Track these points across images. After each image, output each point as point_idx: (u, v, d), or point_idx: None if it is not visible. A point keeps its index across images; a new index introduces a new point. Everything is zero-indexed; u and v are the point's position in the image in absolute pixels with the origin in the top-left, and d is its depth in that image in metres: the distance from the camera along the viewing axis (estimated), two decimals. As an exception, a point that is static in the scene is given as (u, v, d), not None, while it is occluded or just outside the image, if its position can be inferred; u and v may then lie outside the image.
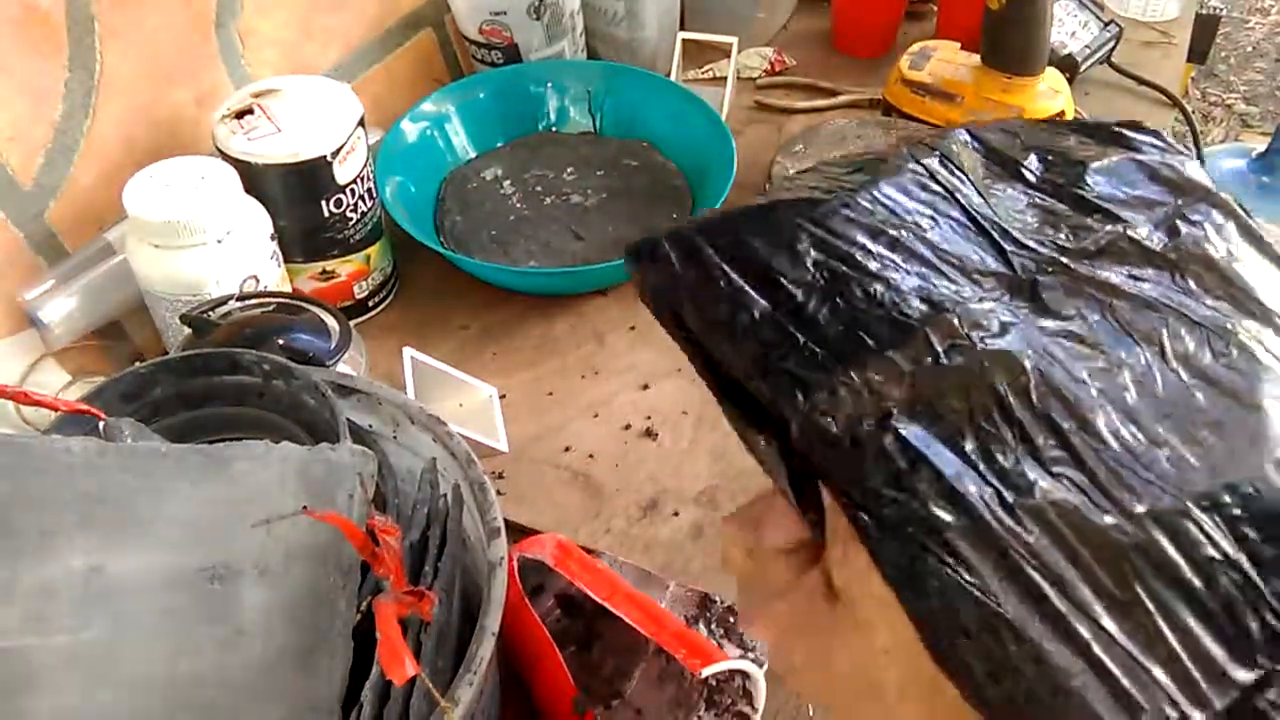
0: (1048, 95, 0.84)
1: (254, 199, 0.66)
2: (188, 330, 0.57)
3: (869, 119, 0.89)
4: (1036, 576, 0.30)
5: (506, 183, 0.85)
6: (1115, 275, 0.35)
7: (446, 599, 0.40)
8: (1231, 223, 0.36)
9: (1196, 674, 0.28)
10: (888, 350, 0.33)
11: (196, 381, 0.49)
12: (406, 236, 0.75)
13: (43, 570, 0.39)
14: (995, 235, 0.36)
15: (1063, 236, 0.36)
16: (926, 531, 0.30)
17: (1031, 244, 0.36)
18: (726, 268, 0.35)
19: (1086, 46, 0.95)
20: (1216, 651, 0.29)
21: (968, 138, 0.40)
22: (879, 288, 0.34)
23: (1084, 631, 0.29)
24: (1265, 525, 0.30)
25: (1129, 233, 0.36)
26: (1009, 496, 0.30)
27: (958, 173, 0.38)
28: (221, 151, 0.67)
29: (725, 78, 0.97)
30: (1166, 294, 0.34)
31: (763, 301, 0.34)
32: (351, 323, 0.60)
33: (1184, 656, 0.29)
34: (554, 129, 0.91)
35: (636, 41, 0.96)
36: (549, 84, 0.90)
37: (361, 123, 0.70)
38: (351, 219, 0.71)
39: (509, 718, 0.52)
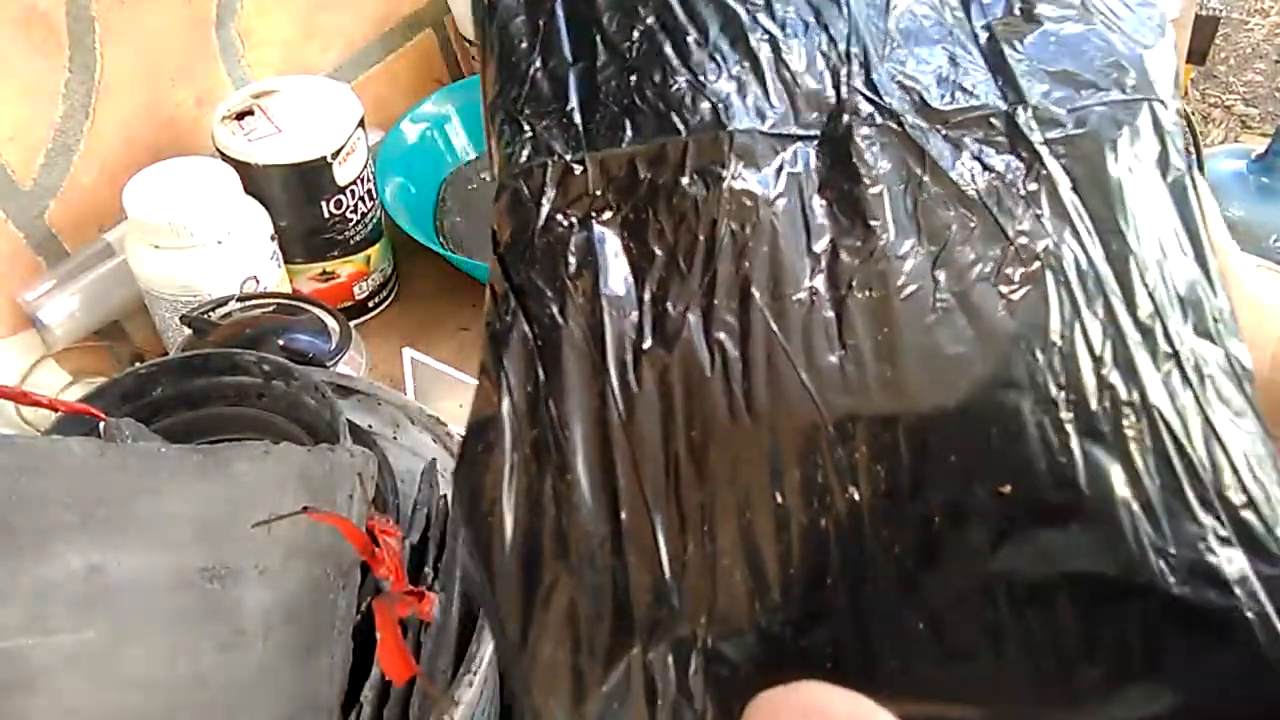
0: (1047, 96, 0.84)
1: (254, 200, 0.66)
2: (188, 331, 0.57)
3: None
4: (616, 429, 0.25)
5: (506, 183, 0.85)
6: (954, 152, 0.29)
7: (446, 599, 0.40)
8: (1158, 145, 0.30)
9: None
10: (635, 144, 0.29)
11: (196, 382, 0.49)
12: (406, 237, 0.75)
13: (43, 570, 0.39)
14: (856, 65, 0.31)
15: (935, 91, 0.30)
16: (545, 340, 0.26)
17: (891, 87, 0.30)
18: (557, 4, 0.31)
19: (1086, 47, 0.95)
20: None
21: None
22: (683, 81, 0.30)
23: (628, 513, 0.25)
24: (881, 459, 0.25)
25: (1014, 110, 0.30)
26: (647, 341, 0.26)
27: None
28: (221, 152, 0.67)
29: (725, 78, 0.97)
30: (998, 191, 0.29)
31: (566, 54, 0.31)
32: (352, 323, 0.60)
33: None
34: (554, 130, 0.91)
35: (636, 42, 0.96)
36: (549, 85, 0.90)
37: (362, 123, 0.70)
38: (351, 220, 0.71)
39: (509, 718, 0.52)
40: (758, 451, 0.25)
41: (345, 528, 0.39)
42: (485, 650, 0.40)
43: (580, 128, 0.30)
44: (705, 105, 0.30)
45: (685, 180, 0.28)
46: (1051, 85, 0.30)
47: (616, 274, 0.27)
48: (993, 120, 0.30)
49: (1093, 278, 0.27)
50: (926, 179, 0.29)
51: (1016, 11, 0.32)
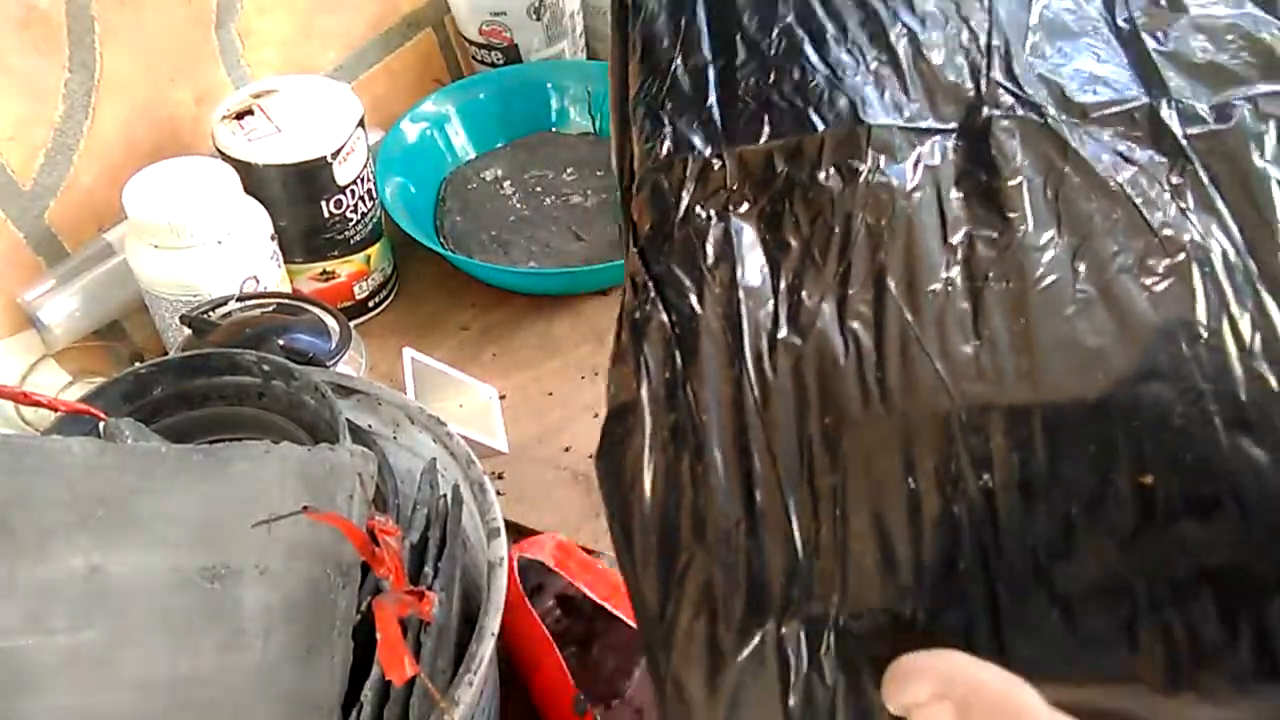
0: (1048, 95, 0.84)
1: (254, 200, 0.66)
2: (188, 331, 0.57)
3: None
4: (751, 414, 0.26)
5: (506, 183, 0.85)
6: (1096, 145, 0.29)
7: (446, 599, 0.40)
8: None
9: None
10: (774, 140, 0.29)
11: (196, 382, 0.49)
12: (406, 237, 0.75)
13: (43, 570, 0.39)
14: (997, 58, 0.31)
15: (1075, 84, 0.30)
16: (683, 328, 0.27)
17: (1032, 79, 0.30)
18: (697, 4, 0.33)
19: (1086, 47, 0.95)
20: None
21: None
22: (821, 77, 0.30)
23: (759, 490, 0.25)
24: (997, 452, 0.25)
25: (1157, 104, 0.29)
26: (782, 330, 0.27)
27: None
28: (221, 152, 0.67)
29: (725, 78, 0.97)
30: (1142, 184, 0.28)
31: (706, 52, 0.32)
32: (351, 323, 0.60)
33: None
34: (554, 129, 0.91)
35: (636, 42, 0.96)
36: (549, 84, 0.90)
37: (361, 123, 0.70)
38: (351, 219, 0.71)
39: (509, 718, 0.52)
40: (891, 438, 0.25)
41: (345, 528, 0.39)
42: (485, 650, 0.40)
43: (719, 124, 0.30)
44: (843, 101, 0.30)
45: (822, 174, 0.29)
46: (1193, 79, 0.30)
47: (752, 265, 0.28)
48: (1135, 114, 0.29)
49: (1241, 270, 0.26)
50: (1068, 170, 0.28)
51: (1162, 2, 0.32)
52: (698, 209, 0.29)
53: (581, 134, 0.91)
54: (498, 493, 0.45)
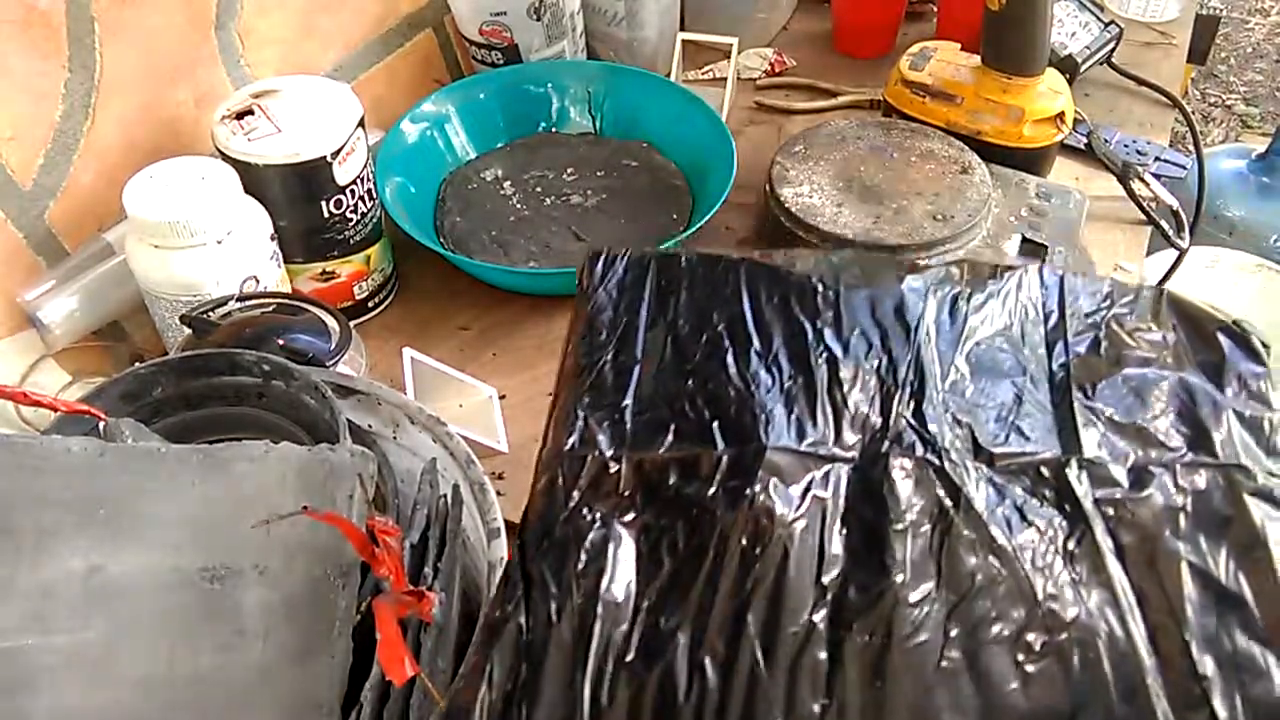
0: (1048, 96, 0.84)
1: (254, 199, 0.65)
2: (188, 331, 0.57)
3: (869, 120, 0.89)
4: None
5: (506, 183, 0.85)
6: (995, 497, 0.28)
7: (446, 599, 0.40)
8: (1231, 516, 0.27)
9: None
10: (674, 451, 0.30)
11: (196, 382, 0.49)
12: (406, 237, 0.75)
13: (42, 570, 0.39)
14: (908, 393, 0.30)
15: (989, 429, 0.29)
16: (536, 637, 0.27)
17: (942, 418, 0.29)
18: (644, 303, 0.34)
19: (1086, 47, 0.95)
20: None
21: (1050, 278, 0.33)
22: (733, 390, 0.31)
23: None
24: None
25: (1067, 461, 0.28)
26: (631, 653, 0.26)
27: (961, 313, 0.32)
28: (221, 152, 0.67)
29: (725, 78, 0.97)
30: (1034, 547, 0.27)
31: (637, 350, 0.33)
32: (351, 323, 0.60)
33: None
34: (554, 129, 0.91)
35: (636, 42, 0.96)
36: (549, 84, 0.90)
37: (361, 123, 0.70)
38: (351, 219, 0.71)
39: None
40: None
41: (345, 528, 0.39)
42: (485, 650, 0.40)
43: (628, 426, 0.31)
44: (748, 418, 0.30)
45: (710, 492, 0.29)
46: (1114, 438, 0.29)
47: (621, 578, 0.28)
48: (1043, 469, 0.28)
49: (1129, 660, 0.25)
50: (958, 521, 0.28)
51: (1101, 352, 0.31)
52: (585, 510, 0.29)
53: (581, 134, 0.91)
54: (498, 493, 0.45)
